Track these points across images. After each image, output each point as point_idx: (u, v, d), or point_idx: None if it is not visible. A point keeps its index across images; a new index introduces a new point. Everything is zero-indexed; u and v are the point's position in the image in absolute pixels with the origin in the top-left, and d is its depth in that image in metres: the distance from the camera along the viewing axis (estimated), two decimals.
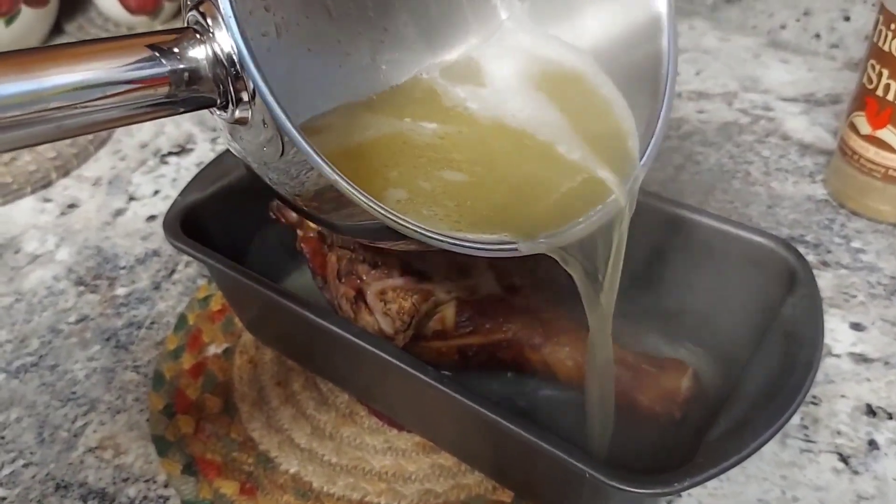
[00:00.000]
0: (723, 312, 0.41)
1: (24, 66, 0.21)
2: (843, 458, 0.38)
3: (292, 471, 0.38)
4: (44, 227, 0.56)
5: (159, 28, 0.86)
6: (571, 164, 0.32)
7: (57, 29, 0.86)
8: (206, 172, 0.46)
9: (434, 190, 0.30)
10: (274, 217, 0.45)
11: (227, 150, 0.48)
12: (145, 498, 0.37)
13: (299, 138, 0.23)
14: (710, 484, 0.37)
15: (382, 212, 0.25)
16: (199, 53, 0.23)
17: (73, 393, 0.43)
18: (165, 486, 0.38)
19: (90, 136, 0.65)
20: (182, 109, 0.24)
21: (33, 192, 0.60)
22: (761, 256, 0.39)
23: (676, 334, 0.42)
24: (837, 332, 0.45)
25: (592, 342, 0.33)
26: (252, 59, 0.22)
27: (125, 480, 0.38)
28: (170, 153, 0.64)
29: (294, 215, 0.44)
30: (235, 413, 0.41)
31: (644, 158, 0.31)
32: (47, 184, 0.61)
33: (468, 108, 0.34)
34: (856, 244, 0.51)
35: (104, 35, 0.84)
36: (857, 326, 0.45)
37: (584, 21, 0.35)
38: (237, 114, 0.24)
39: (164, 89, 0.23)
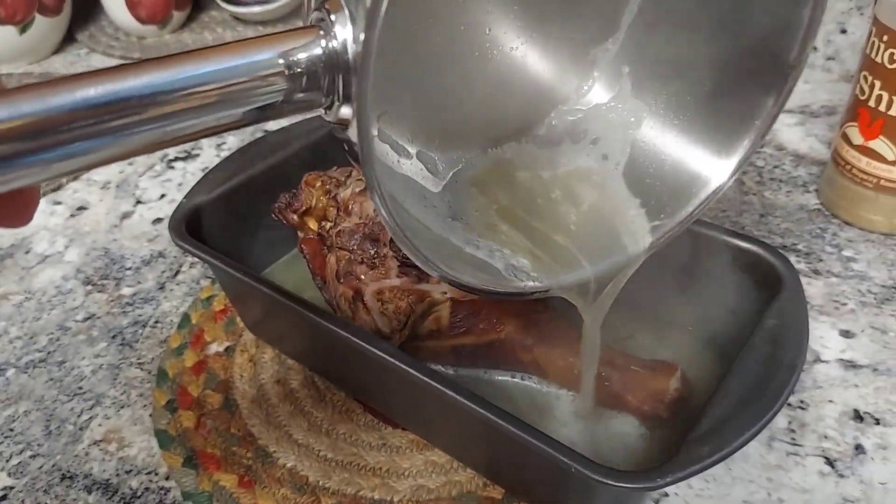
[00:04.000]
0: (712, 315, 0.42)
1: (160, 64, 0.21)
2: (830, 462, 0.39)
3: (289, 465, 0.39)
4: (54, 228, 0.58)
5: (172, 37, 0.87)
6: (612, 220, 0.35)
7: (69, 37, 0.88)
8: (211, 176, 0.47)
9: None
10: (276, 219, 0.46)
11: (231, 156, 0.49)
12: (147, 489, 0.38)
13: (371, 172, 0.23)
14: (697, 485, 0.38)
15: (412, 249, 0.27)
16: (316, 52, 0.23)
17: (80, 388, 0.44)
18: (167, 478, 0.39)
19: None
20: (287, 114, 0.24)
21: (44, 194, 0.62)
22: (749, 262, 0.39)
23: (667, 336, 0.43)
24: (827, 339, 0.46)
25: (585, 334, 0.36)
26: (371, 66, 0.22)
27: (128, 472, 0.39)
28: (176, 158, 0.65)
29: (295, 217, 0.45)
30: (235, 409, 0.42)
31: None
32: (58, 187, 0.62)
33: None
34: (847, 253, 0.52)
35: (114, 44, 0.86)
36: (846, 333, 0.46)
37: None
38: (341, 112, 0.24)
39: (280, 98, 0.23)
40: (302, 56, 0.23)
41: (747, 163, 0.35)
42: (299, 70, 0.23)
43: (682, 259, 0.41)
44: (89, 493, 0.38)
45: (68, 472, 0.40)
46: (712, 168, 0.35)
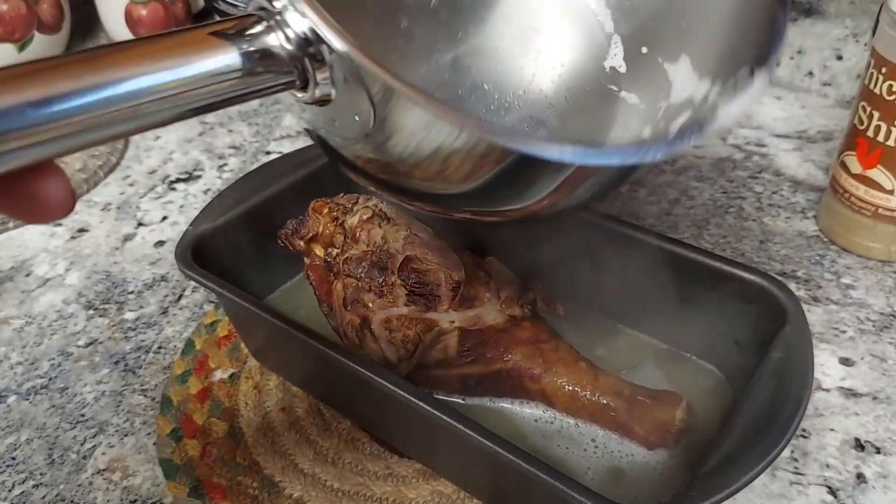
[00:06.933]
0: (717, 346, 0.42)
1: (92, 66, 0.21)
2: (832, 491, 0.39)
3: (296, 495, 0.39)
4: (54, 251, 0.58)
5: None
6: None
7: None
8: (215, 203, 0.47)
9: None
10: (282, 245, 0.46)
11: (235, 183, 0.49)
12: None
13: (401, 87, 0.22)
14: None
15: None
16: (268, 38, 0.23)
17: (83, 415, 0.44)
18: None
19: (100, 162, 0.67)
20: (264, 89, 0.24)
21: None
22: (753, 293, 0.40)
23: (673, 366, 0.44)
24: (827, 367, 0.46)
25: None
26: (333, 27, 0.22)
27: (133, 502, 0.39)
28: (178, 180, 0.65)
29: (302, 244, 0.45)
30: (241, 437, 0.42)
31: None
32: None
33: None
34: (846, 280, 0.52)
35: None
36: (846, 361, 0.46)
37: None
38: (318, 92, 0.24)
39: (238, 72, 0.23)
40: (244, 37, 0.23)
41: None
42: (250, 49, 0.23)
43: (688, 290, 0.42)
44: None
45: (72, 501, 0.39)
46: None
